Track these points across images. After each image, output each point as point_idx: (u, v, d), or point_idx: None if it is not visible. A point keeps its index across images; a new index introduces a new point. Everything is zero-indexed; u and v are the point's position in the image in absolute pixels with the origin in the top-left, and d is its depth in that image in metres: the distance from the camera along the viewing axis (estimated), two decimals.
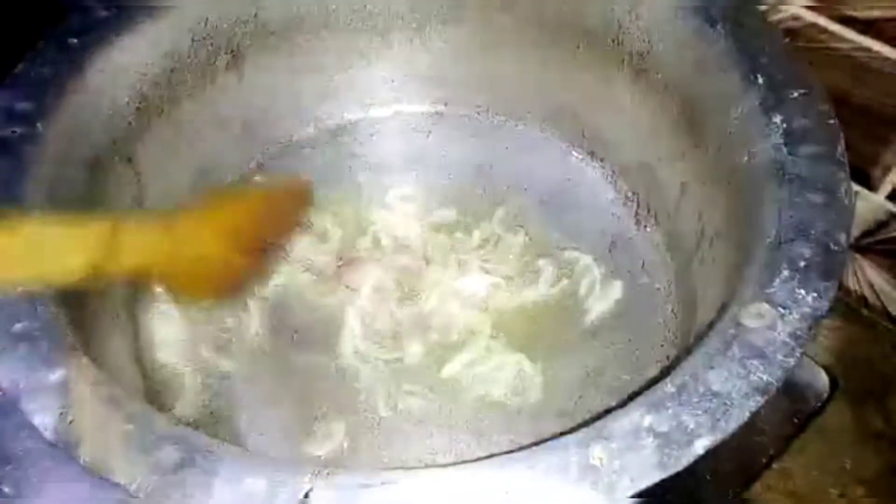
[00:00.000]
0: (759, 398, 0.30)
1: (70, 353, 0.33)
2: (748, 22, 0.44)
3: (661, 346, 0.48)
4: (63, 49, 0.43)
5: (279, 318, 0.50)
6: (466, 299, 0.50)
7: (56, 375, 0.32)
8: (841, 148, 0.38)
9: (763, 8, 0.48)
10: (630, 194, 0.55)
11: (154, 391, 0.46)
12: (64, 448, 0.30)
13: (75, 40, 0.44)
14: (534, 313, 0.49)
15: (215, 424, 0.45)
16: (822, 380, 0.48)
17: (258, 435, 0.45)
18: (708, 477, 0.44)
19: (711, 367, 0.31)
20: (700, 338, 0.34)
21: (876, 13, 0.46)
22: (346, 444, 0.45)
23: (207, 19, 0.49)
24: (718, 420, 0.29)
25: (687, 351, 0.34)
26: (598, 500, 0.28)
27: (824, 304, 0.33)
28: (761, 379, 0.31)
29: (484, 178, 0.56)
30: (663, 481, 0.28)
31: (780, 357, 0.31)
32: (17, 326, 0.33)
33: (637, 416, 0.30)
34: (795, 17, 0.49)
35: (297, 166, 0.57)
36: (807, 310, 0.33)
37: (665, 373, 0.32)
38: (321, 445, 0.45)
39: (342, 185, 0.55)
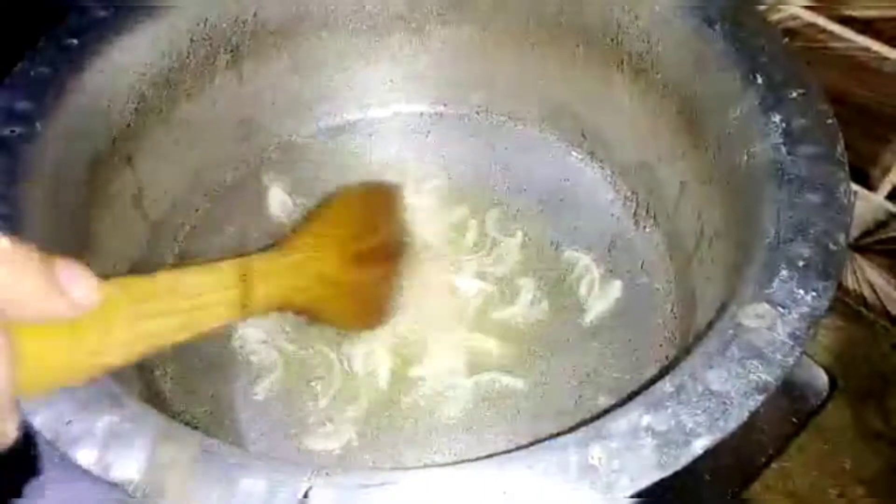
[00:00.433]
0: (758, 398, 0.30)
1: None
2: (747, 22, 0.44)
3: (661, 346, 0.48)
4: (62, 49, 0.43)
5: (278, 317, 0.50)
6: (461, 299, 0.50)
7: None
8: (840, 148, 0.38)
9: (762, 8, 0.48)
10: (629, 194, 0.55)
11: (154, 391, 0.46)
12: (63, 448, 0.30)
13: (74, 40, 0.44)
14: (533, 313, 0.50)
15: (213, 425, 0.45)
16: (822, 379, 0.48)
17: (258, 435, 0.45)
18: (707, 477, 0.44)
19: (710, 367, 0.31)
20: (699, 338, 0.34)
21: (875, 13, 0.46)
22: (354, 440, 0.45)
23: (207, 19, 0.49)
24: (717, 420, 0.29)
25: (686, 351, 0.34)
26: (597, 500, 0.28)
27: (823, 304, 0.33)
28: (760, 379, 0.31)
29: (482, 178, 0.56)
30: (662, 481, 0.28)
31: (779, 357, 0.31)
32: None
33: (636, 416, 0.30)
34: (794, 17, 0.49)
35: (297, 166, 0.57)
36: (806, 309, 0.33)
37: (664, 372, 0.32)
38: (327, 442, 0.45)
39: (342, 185, 0.56)
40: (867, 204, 0.52)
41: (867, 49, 0.47)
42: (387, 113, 0.60)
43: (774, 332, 0.32)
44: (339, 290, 0.43)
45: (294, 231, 0.49)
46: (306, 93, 0.57)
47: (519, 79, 0.57)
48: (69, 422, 0.30)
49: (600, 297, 0.50)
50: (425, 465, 0.31)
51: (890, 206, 0.52)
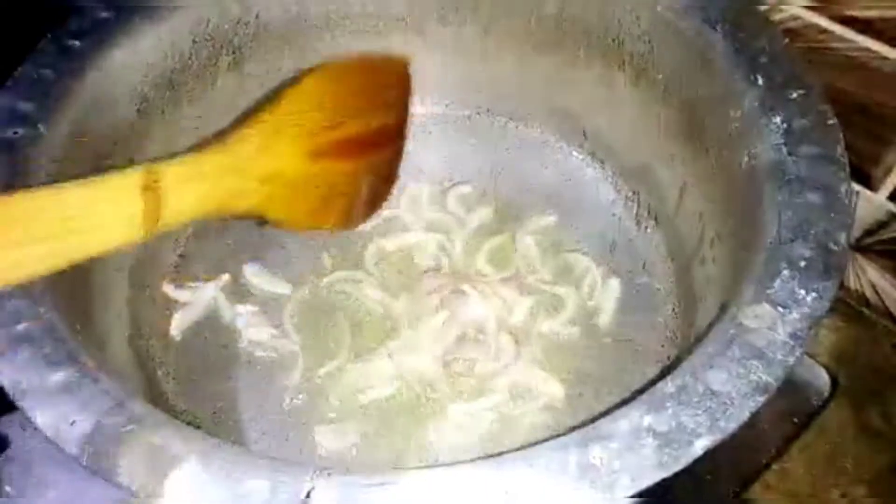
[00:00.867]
0: (758, 398, 0.30)
1: (71, 354, 0.33)
2: (748, 22, 0.44)
3: (662, 346, 0.48)
4: (64, 50, 0.43)
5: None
6: (462, 300, 0.50)
7: (58, 376, 0.32)
8: (841, 148, 0.38)
9: (763, 8, 0.48)
10: (630, 195, 0.55)
11: (157, 391, 0.46)
12: (65, 448, 0.30)
13: (76, 42, 0.44)
14: (532, 313, 0.50)
15: (216, 424, 0.45)
16: (823, 379, 0.48)
17: (260, 434, 0.45)
18: (707, 477, 0.44)
19: (711, 367, 0.31)
20: (700, 338, 0.34)
21: (875, 13, 0.46)
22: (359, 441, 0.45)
23: (209, 21, 0.49)
24: (718, 420, 0.30)
25: (687, 351, 0.34)
26: (598, 500, 0.28)
27: (824, 304, 0.33)
28: (761, 379, 0.31)
29: (484, 179, 0.56)
30: (663, 481, 0.28)
31: (780, 357, 0.31)
32: (20, 327, 0.33)
33: (637, 416, 0.30)
34: (795, 18, 0.49)
35: None
36: (807, 310, 0.33)
37: (665, 373, 0.32)
38: (331, 442, 0.45)
39: None
40: (868, 204, 0.52)
41: (868, 49, 0.47)
42: None
43: (775, 332, 0.32)
44: (295, 190, 0.38)
45: (242, 121, 0.40)
46: None
47: (520, 80, 0.57)
48: (73, 422, 0.30)
49: (601, 298, 0.50)
50: (426, 466, 0.31)
51: (891, 206, 0.52)
